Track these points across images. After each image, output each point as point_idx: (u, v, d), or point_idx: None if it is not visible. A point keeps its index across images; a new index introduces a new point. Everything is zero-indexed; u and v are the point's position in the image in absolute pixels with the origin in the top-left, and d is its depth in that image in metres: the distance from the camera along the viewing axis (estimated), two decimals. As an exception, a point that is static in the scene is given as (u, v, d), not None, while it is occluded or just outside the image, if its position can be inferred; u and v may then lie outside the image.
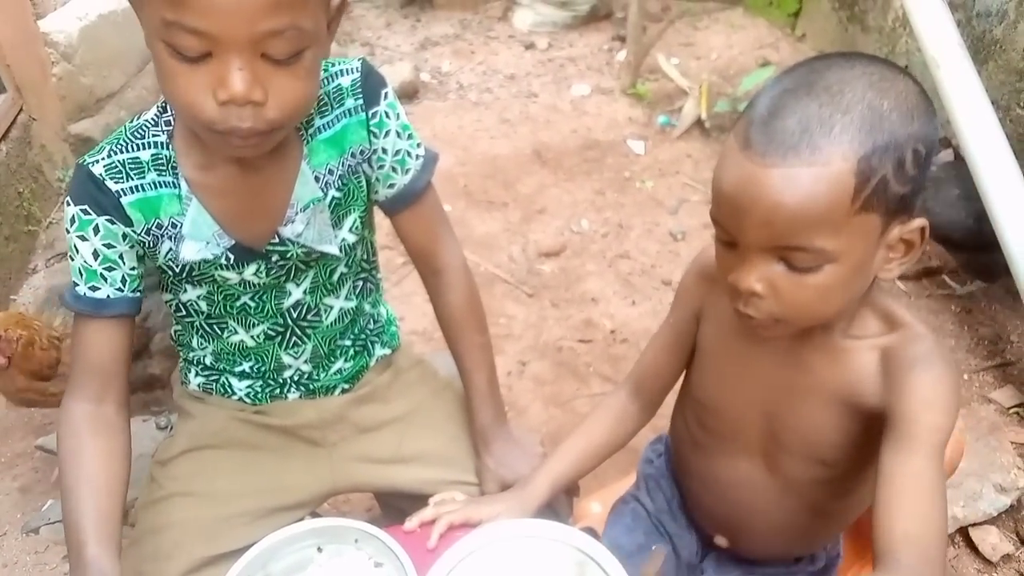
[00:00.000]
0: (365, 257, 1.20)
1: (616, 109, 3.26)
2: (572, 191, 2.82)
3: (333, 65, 1.06)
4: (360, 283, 1.20)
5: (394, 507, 1.29)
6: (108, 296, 1.01)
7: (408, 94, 3.36)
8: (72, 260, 1.02)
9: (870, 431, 0.84)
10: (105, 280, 1.01)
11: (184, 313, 1.14)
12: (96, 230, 0.99)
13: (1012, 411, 1.93)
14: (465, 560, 0.91)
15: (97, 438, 1.00)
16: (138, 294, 1.05)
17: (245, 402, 1.21)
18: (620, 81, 3.40)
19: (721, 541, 1.09)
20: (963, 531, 1.70)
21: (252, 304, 1.11)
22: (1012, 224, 1.95)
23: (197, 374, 1.22)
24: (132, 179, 0.98)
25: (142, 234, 1.01)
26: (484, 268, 2.48)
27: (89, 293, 1.01)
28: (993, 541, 1.67)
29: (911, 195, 0.77)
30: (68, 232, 1.01)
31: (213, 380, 1.21)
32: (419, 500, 1.22)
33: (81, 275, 1.01)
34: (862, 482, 0.90)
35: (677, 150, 3.03)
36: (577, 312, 2.36)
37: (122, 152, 0.99)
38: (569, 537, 0.92)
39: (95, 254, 1.00)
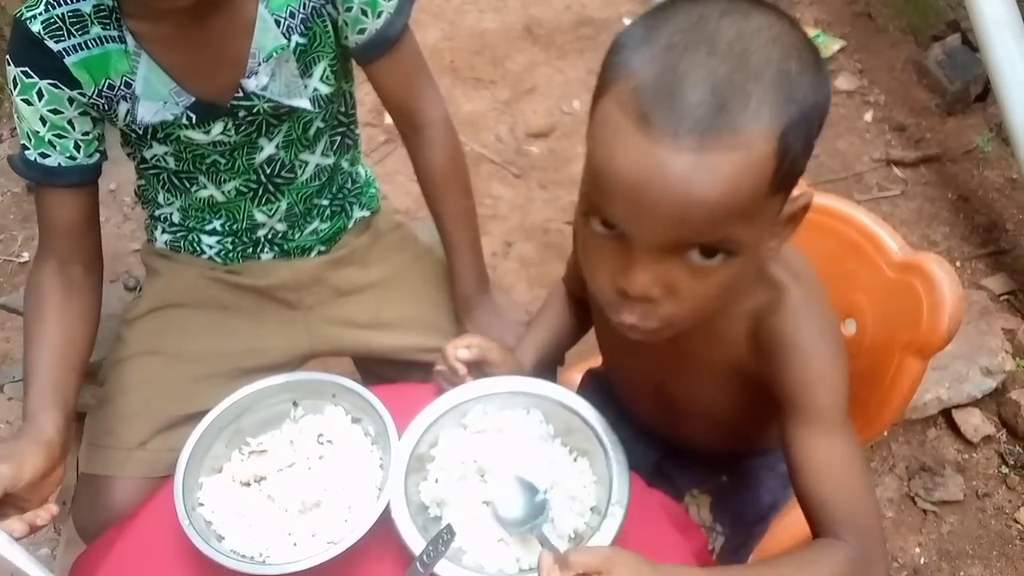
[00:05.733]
0: (343, 110, 1.12)
1: (612, -15, 3.09)
2: (564, 70, 2.70)
3: None
4: (337, 138, 1.13)
5: (374, 373, 1.26)
6: (59, 164, 0.95)
7: (392, -35, 3.17)
8: (19, 123, 0.95)
9: (761, 388, 0.79)
10: (55, 147, 0.94)
11: (149, 167, 1.07)
12: (40, 94, 0.92)
13: (1003, 298, 1.91)
14: (447, 414, 0.88)
15: (59, 297, 0.96)
16: (95, 158, 0.99)
17: (215, 261, 1.15)
18: (617, -44, 3.21)
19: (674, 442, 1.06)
20: (946, 412, 1.71)
21: (222, 161, 1.04)
22: (1020, 111, 1.88)
23: (164, 231, 1.16)
24: (74, 36, 0.90)
25: (93, 96, 0.93)
26: (470, 148, 2.39)
27: (39, 160, 0.95)
28: (975, 422, 1.67)
29: (804, 167, 0.65)
30: (12, 93, 0.93)
31: (181, 237, 1.15)
32: (398, 366, 1.19)
33: (30, 139, 0.94)
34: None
35: (674, 30, 2.90)
36: (565, 194, 2.29)
37: (60, 5, 0.89)
38: (553, 393, 0.88)
39: (42, 120, 0.93)
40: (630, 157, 0.60)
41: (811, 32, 2.79)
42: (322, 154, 1.11)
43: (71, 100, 0.93)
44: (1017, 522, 1.58)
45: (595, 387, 1.16)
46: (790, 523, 1.02)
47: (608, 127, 0.62)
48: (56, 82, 0.91)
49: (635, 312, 0.68)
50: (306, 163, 1.09)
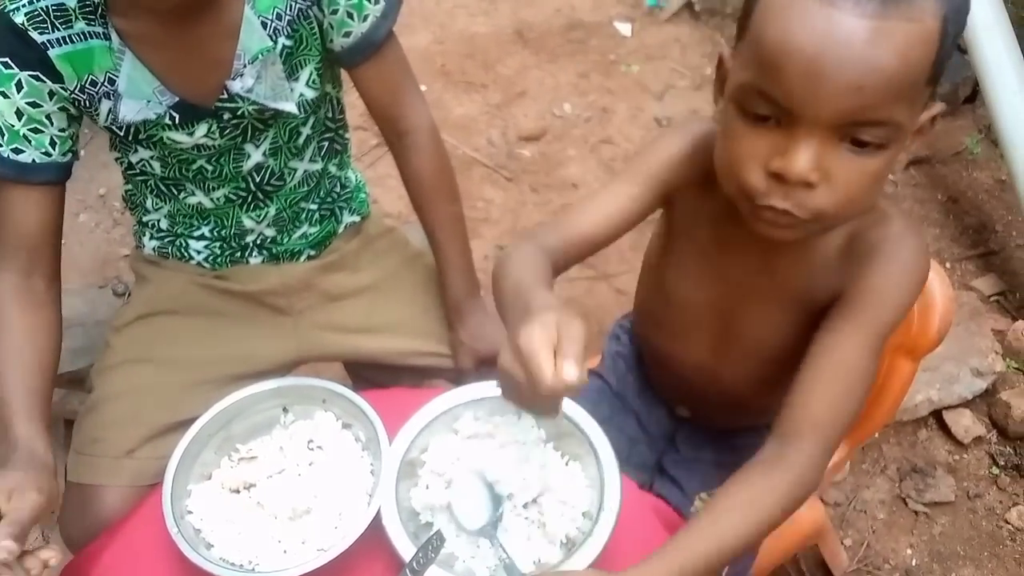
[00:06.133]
0: (330, 116, 1.12)
1: (603, -11, 3.09)
2: (555, 73, 2.70)
3: None
4: (326, 144, 1.12)
5: (365, 378, 1.25)
6: (34, 160, 0.93)
7: (383, -31, 3.16)
8: None
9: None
10: (30, 142, 0.92)
11: (136, 172, 1.06)
12: (19, 87, 0.90)
13: (992, 299, 1.92)
14: (438, 419, 0.87)
15: (25, 312, 0.94)
16: (69, 157, 0.97)
17: (204, 266, 1.14)
18: (607, -40, 3.22)
19: (683, 411, 1.08)
20: (936, 414, 1.71)
21: (209, 167, 1.03)
22: (1009, 113, 1.89)
23: (152, 237, 1.15)
24: (58, 29, 0.89)
25: (75, 92, 0.92)
26: (462, 151, 2.39)
27: (12, 156, 0.92)
28: (966, 423, 1.68)
29: None
30: None
31: (169, 243, 1.14)
32: (389, 371, 1.18)
33: (3, 134, 0.92)
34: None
35: (665, 33, 2.90)
36: (557, 197, 2.29)
37: None
38: (546, 398, 0.88)
39: (18, 113, 0.91)
40: (811, 26, 0.62)
41: (801, 35, 2.80)
42: (310, 160, 1.10)
43: (52, 93, 0.92)
44: (1008, 523, 1.58)
45: (592, 385, 1.16)
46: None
47: (782, 6, 0.64)
48: (38, 74, 0.90)
49: (789, 199, 0.69)
50: (295, 170, 1.09)
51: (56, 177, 0.96)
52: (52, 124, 0.93)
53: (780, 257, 0.82)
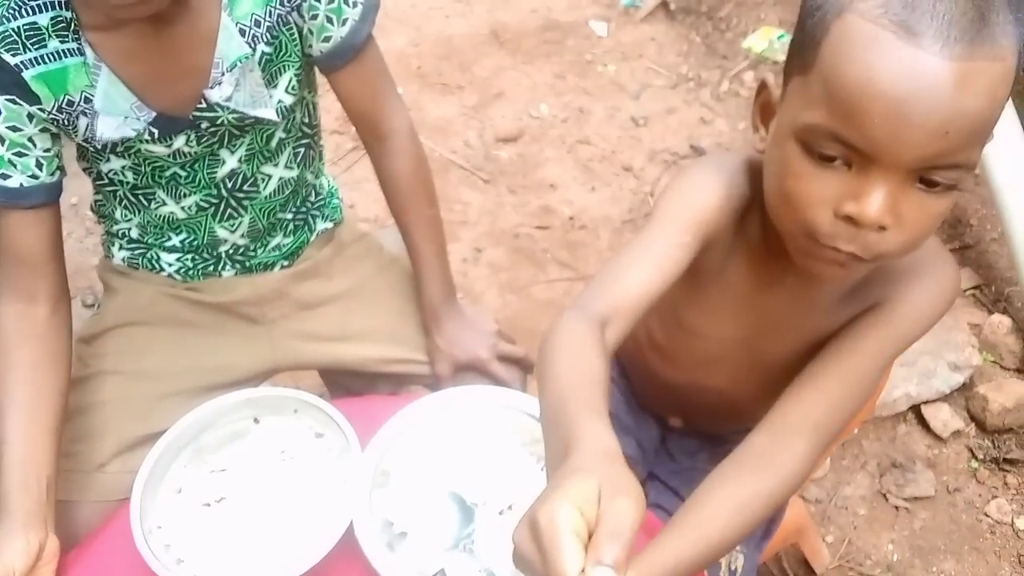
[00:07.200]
0: (306, 120, 1.10)
1: (578, -11, 3.09)
2: (531, 74, 2.70)
3: None
4: (301, 150, 1.11)
5: (342, 385, 1.24)
6: (22, 185, 0.91)
7: (357, -29, 3.14)
8: None
9: None
10: (15, 167, 0.90)
11: (106, 182, 1.04)
12: None
13: (968, 293, 1.94)
14: (411, 428, 0.86)
15: (26, 345, 0.92)
16: (57, 176, 0.95)
17: (175, 279, 1.12)
18: (582, -40, 3.22)
19: (676, 422, 1.07)
20: (915, 408, 1.72)
21: (183, 174, 1.01)
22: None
23: (122, 247, 1.13)
24: (31, 50, 0.86)
25: (52, 112, 0.90)
26: (439, 154, 2.38)
27: (0, 182, 0.90)
28: (944, 418, 1.69)
29: None
30: None
31: (140, 254, 1.12)
32: (366, 378, 1.17)
33: None
34: None
35: (641, 33, 2.90)
36: (535, 198, 2.29)
37: (16, 18, 0.85)
38: (520, 404, 0.87)
39: (0, 139, 0.89)
40: (896, 69, 0.58)
41: (776, 33, 2.81)
42: (285, 166, 1.08)
43: (31, 116, 0.90)
44: (987, 516, 1.60)
45: None
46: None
47: (859, 44, 0.60)
48: (14, 98, 0.88)
49: (857, 241, 0.65)
50: (268, 176, 1.07)
51: (47, 199, 0.94)
52: (36, 146, 0.91)
53: (815, 288, 0.79)
